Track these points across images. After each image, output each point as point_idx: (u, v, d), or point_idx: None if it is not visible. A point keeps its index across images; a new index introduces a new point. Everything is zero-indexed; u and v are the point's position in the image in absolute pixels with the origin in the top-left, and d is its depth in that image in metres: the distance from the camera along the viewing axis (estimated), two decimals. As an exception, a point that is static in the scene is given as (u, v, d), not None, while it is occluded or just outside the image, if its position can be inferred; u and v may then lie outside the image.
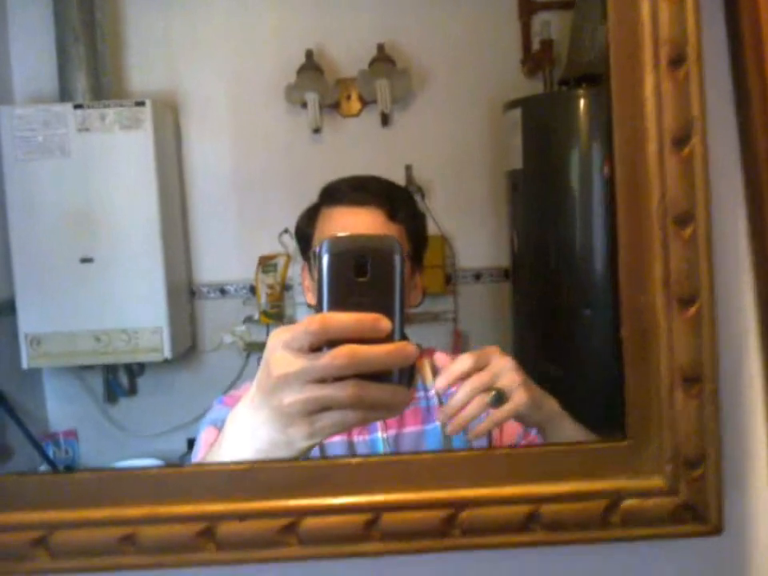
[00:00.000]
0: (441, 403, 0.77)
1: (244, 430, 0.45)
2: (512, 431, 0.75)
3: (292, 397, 0.42)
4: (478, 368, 0.59)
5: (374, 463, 0.47)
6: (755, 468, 0.52)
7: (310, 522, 0.46)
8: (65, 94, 1.68)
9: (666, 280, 0.47)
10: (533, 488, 0.48)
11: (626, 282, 0.48)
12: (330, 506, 0.47)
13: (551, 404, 0.63)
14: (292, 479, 0.47)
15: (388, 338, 0.40)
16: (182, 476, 0.47)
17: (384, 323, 0.40)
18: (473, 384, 0.59)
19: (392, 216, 0.77)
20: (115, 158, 1.65)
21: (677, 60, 0.46)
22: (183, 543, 0.46)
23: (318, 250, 0.41)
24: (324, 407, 0.42)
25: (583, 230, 1.44)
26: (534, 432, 0.74)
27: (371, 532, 0.47)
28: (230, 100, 1.74)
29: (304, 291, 0.87)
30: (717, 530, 0.49)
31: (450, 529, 0.47)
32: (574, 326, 1.36)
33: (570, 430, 0.63)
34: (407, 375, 0.43)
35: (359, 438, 0.72)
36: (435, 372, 0.80)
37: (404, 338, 0.42)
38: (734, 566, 0.53)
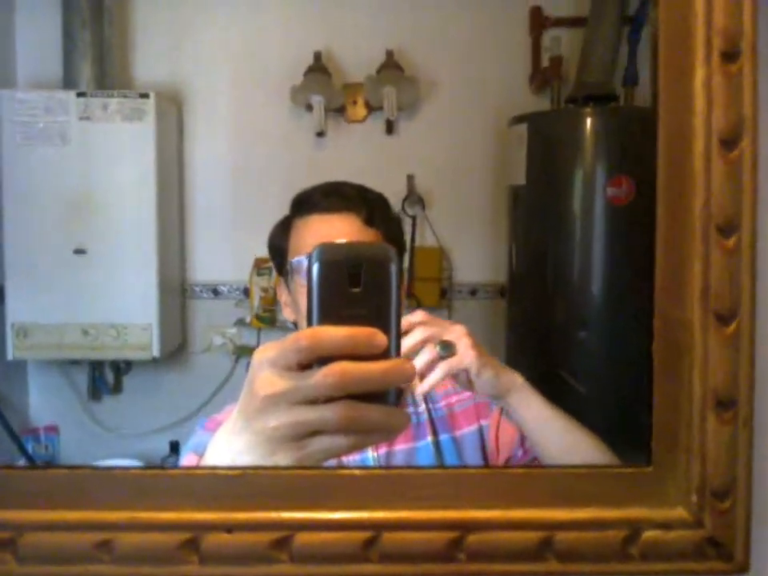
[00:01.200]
0: (431, 418, 0.74)
1: (225, 457, 0.41)
2: (509, 439, 0.72)
3: (278, 420, 0.38)
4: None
5: (377, 477, 0.43)
6: (786, 503, 0.49)
7: (305, 538, 0.42)
8: (68, 80, 1.65)
9: (705, 293, 0.44)
10: (547, 513, 0.44)
11: (660, 292, 0.44)
12: (328, 521, 0.43)
13: (511, 376, 0.65)
14: (287, 489, 0.43)
15: (384, 354, 0.37)
16: (166, 479, 0.43)
17: (380, 338, 0.37)
18: (422, 333, 0.62)
19: (368, 221, 0.75)
20: (115, 149, 1.62)
21: (730, 54, 0.43)
22: (164, 554, 0.42)
23: (306, 258, 0.38)
24: (314, 431, 0.38)
25: (582, 250, 1.42)
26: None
27: (370, 552, 0.43)
28: (235, 98, 1.72)
29: (282, 307, 0.84)
30: (743, 568, 0.45)
31: (455, 553, 0.43)
32: (569, 348, 1.33)
33: (536, 405, 0.65)
34: (400, 393, 0.39)
35: (348, 458, 0.68)
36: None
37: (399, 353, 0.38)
38: (759, 607, 0.49)
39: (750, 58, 0.44)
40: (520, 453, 0.71)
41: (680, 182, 0.44)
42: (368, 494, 0.43)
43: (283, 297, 0.82)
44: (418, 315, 0.64)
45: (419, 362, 0.62)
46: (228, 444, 0.41)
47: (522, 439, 0.71)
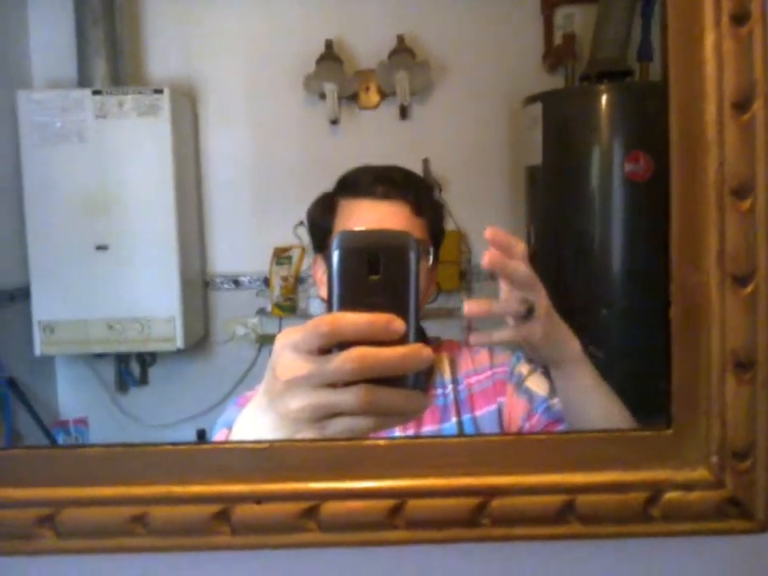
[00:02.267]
0: (456, 400, 0.75)
1: (250, 435, 0.43)
2: (518, 413, 0.72)
3: (300, 402, 0.39)
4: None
5: (401, 446, 0.44)
6: (808, 463, 0.49)
7: (332, 507, 0.44)
8: (83, 79, 1.67)
9: (721, 256, 0.44)
10: (568, 477, 0.45)
11: (677, 257, 0.45)
12: (353, 491, 0.44)
13: (573, 344, 0.62)
14: (314, 461, 0.44)
15: (402, 340, 0.38)
16: (197, 454, 0.44)
17: (398, 324, 0.38)
18: (515, 295, 0.58)
19: (416, 209, 0.74)
20: (132, 145, 1.65)
21: (740, 16, 0.43)
22: (197, 526, 0.43)
23: (329, 246, 0.39)
24: (334, 413, 0.39)
25: (602, 227, 1.41)
26: (539, 410, 0.71)
27: (396, 519, 0.44)
28: (248, 89, 1.73)
29: (317, 284, 0.84)
30: (764, 527, 0.46)
31: (479, 518, 0.44)
32: (591, 326, 1.33)
33: (586, 375, 0.62)
34: (423, 377, 0.40)
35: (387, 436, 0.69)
36: (454, 366, 0.77)
37: (421, 336, 0.39)
38: (781, 565, 0.49)
39: (759, 20, 0.44)
40: (527, 426, 0.72)
41: (693, 147, 0.44)
42: (392, 463, 0.44)
43: (319, 274, 0.81)
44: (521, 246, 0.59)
45: (500, 307, 0.59)
46: (254, 422, 0.42)
47: (530, 413, 0.71)
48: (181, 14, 1.71)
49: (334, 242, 0.39)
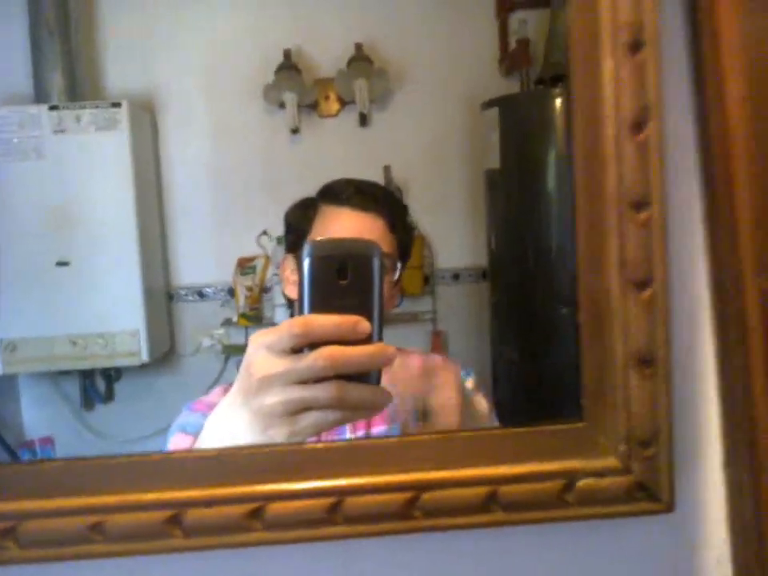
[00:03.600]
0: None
1: (224, 433, 0.47)
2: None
3: (274, 398, 0.43)
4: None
5: (338, 448, 0.48)
6: (707, 449, 0.54)
7: (276, 507, 0.47)
8: (40, 94, 1.67)
9: (622, 263, 0.49)
10: (492, 470, 0.49)
11: (583, 266, 0.49)
12: (295, 491, 0.47)
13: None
14: (258, 465, 0.47)
15: (368, 339, 0.42)
16: (149, 464, 0.48)
17: (364, 325, 0.42)
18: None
19: (391, 227, 0.79)
20: (92, 160, 1.65)
21: (634, 45, 0.47)
22: (151, 530, 0.47)
23: (301, 253, 0.43)
24: (305, 408, 0.43)
25: (560, 229, 1.45)
26: None
27: (335, 516, 0.48)
28: (208, 100, 1.74)
29: (283, 284, 0.88)
30: (669, 507, 0.50)
31: (412, 511, 0.48)
32: (551, 325, 1.37)
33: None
34: (380, 375, 0.44)
35: (328, 438, 0.72)
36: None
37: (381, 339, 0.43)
38: (686, 543, 0.54)
39: (652, 48, 0.48)
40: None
41: (594, 164, 0.49)
42: (330, 464, 0.48)
43: (287, 272, 0.85)
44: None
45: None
46: (227, 419, 0.46)
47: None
48: (138, 27, 1.71)
49: (306, 249, 0.43)
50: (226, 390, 0.78)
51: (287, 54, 1.71)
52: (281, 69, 1.70)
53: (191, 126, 1.74)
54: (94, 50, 1.71)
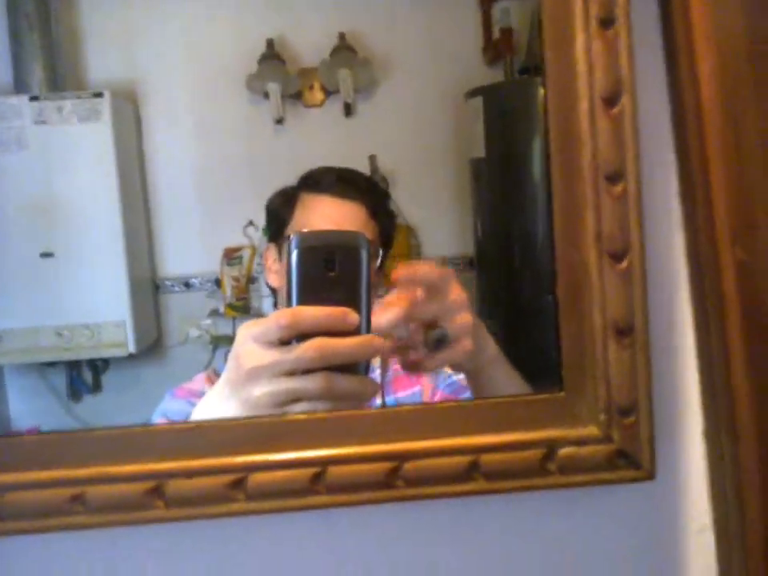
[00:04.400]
0: (382, 384, 0.78)
1: None
2: (427, 391, 0.76)
3: (262, 389, 0.43)
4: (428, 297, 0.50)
5: (320, 419, 0.48)
6: (687, 416, 0.55)
7: (257, 478, 0.47)
8: (20, 85, 1.66)
9: (598, 236, 0.49)
10: (473, 439, 0.49)
11: (560, 239, 0.50)
12: (277, 462, 0.48)
13: (491, 348, 0.57)
14: (239, 436, 0.48)
15: (356, 331, 0.42)
16: (130, 436, 0.48)
17: (352, 317, 0.42)
18: (416, 313, 0.49)
19: (372, 214, 0.79)
20: (74, 151, 1.63)
21: (606, 20, 0.48)
22: (133, 502, 0.47)
23: (287, 245, 0.43)
24: (294, 399, 0.43)
25: (545, 217, 1.45)
26: (441, 386, 0.72)
27: (317, 486, 0.48)
28: (191, 90, 1.73)
29: (266, 273, 0.88)
30: (650, 475, 0.51)
31: (394, 480, 0.49)
32: (537, 312, 1.38)
33: (503, 379, 0.57)
34: (368, 366, 0.45)
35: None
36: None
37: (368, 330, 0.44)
38: (666, 510, 0.55)
39: (624, 23, 0.49)
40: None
41: (569, 138, 0.49)
42: (312, 434, 0.48)
43: (270, 261, 0.85)
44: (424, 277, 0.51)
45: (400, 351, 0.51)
46: (215, 411, 0.47)
47: (434, 391, 0.72)
48: (119, 16, 1.70)
49: (293, 241, 0.42)
50: (209, 377, 0.78)
51: (270, 44, 1.70)
52: (264, 58, 1.69)
53: (174, 117, 1.73)
54: (75, 42, 1.69)
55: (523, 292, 1.41)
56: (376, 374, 0.78)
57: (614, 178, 0.49)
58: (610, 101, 0.49)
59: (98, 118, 1.64)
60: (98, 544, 0.50)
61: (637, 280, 0.50)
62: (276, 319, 0.42)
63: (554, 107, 0.49)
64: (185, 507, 0.47)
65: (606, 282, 0.49)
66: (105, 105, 1.63)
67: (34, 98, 1.63)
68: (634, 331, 0.50)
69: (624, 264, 0.49)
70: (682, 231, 0.54)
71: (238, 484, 0.47)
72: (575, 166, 0.49)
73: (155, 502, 0.47)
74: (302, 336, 0.42)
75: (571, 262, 0.49)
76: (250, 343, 0.43)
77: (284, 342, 0.43)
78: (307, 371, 0.43)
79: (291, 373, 0.43)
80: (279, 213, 0.82)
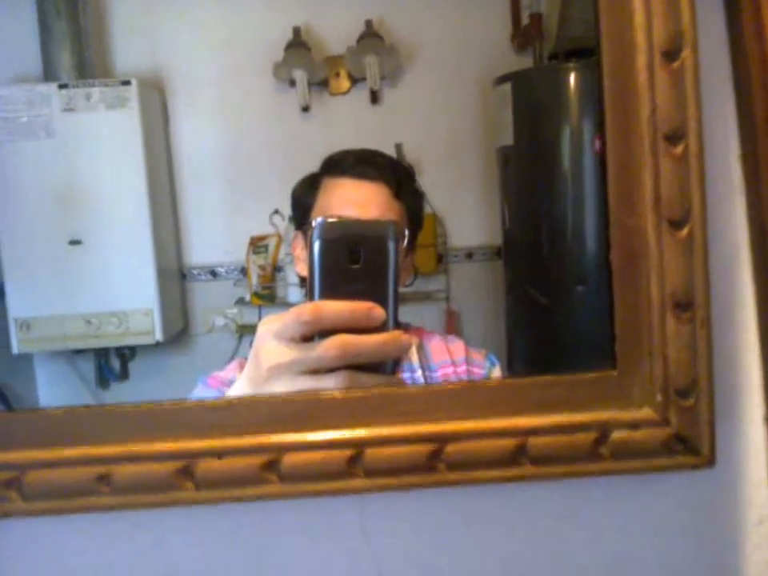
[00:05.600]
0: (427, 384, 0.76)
1: None
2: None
3: (283, 388, 0.41)
4: None
5: (358, 398, 0.45)
6: (748, 399, 0.51)
7: (292, 459, 0.45)
8: (48, 73, 1.66)
9: (657, 201, 0.46)
10: (519, 420, 0.46)
11: (615, 204, 0.46)
12: (312, 442, 0.45)
13: None
14: (273, 415, 0.45)
15: (382, 327, 0.40)
16: (158, 413, 0.45)
17: (378, 312, 0.39)
18: None
19: (396, 193, 0.76)
20: (101, 138, 1.63)
21: (666, -30, 0.44)
22: (160, 482, 0.44)
23: (310, 234, 0.40)
24: None
25: (575, 205, 1.42)
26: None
27: (354, 468, 0.45)
28: (218, 78, 1.72)
29: (294, 261, 0.86)
30: (709, 462, 0.48)
31: (435, 463, 0.46)
32: (567, 303, 1.35)
33: None
34: (397, 363, 0.42)
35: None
36: (422, 351, 0.78)
37: (398, 325, 0.41)
38: (726, 499, 0.51)
39: (685, -28, 0.45)
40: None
41: (626, 95, 0.45)
42: (349, 414, 0.45)
43: (298, 250, 0.83)
44: None
45: None
46: None
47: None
48: (147, 5, 1.70)
49: (315, 231, 0.40)
50: (242, 365, 0.77)
51: (297, 32, 1.68)
52: (290, 46, 1.68)
53: (201, 105, 1.72)
54: (102, 30, 1.69)
55: (551, 282, 1.38)
56: (417, 374, 0.76)
57: (674, 138, 0.45)
58: (670, 55, 0.45)
59: (126, 106, 1.64)
60: (122, 526, 0.47)
61: (698, 250, 0.46)
62: (297, 315, 0.40)
63: (608, 61, 0.45)
64: (215, 489, 0.45)
65: (665, 252, 0.46)
66: (132, 92, 1.63)
67: (62, 86, 1.63)
68: (694, 305, 0.46)
69: (684, 232, 0.46)
70: (744, 198, 0.50)
71: (272, 465, 0.45)
72: (632, 125, 0.45)
73: (184, 483, 0.44)
74: (325, 332, 0.40)
75: (627, 229, 0.46)
76: (271, 340, 0.41)
77: (306, 339, 0.40)
78: (330, 370, 0.40)
79: (313, 371, 0.40)
80: (303, 199, 0.81)
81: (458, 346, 0.79)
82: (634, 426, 0.47)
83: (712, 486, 0.51)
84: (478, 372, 0.77)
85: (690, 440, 0.47)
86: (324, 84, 1.72)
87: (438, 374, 0.77)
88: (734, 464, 0.51)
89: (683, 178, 0.46)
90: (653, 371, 0.47)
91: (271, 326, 0.41)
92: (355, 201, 0.75)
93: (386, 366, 0.41)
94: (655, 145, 0.45)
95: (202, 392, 0.73)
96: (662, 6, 0.45)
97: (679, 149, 0.45)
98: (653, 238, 0.46)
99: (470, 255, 1.65)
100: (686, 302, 0.46)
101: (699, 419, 0.47)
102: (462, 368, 0.78)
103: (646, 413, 0.47)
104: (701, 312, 0.46)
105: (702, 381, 0.47)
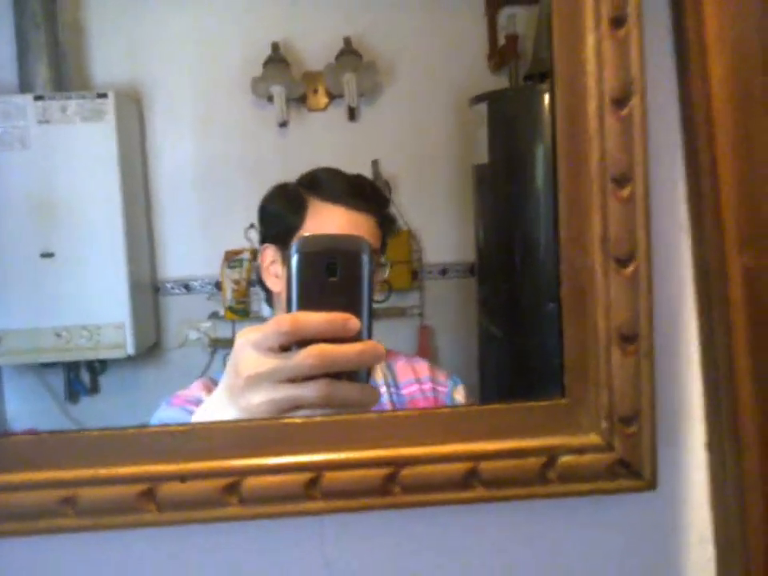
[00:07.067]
0: (392, 402, 0.78)
1: None
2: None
3: (262, 397, 0.42)
4: None
5: (317, 423, 0.47)
6: (690, 426, 0.53)
7: (252, 482, 0.46)
8: (24, 84, 1.66)
9: (604, 239, 0.48)
10: (472, 446, 0.48)
11: (565, 242, 0.49)
12: (272, 466, 0.47)
13: None
14: (234, 439, 0.46)
15: (357, 337, 0.41)
16: (123, 438, 0.47)
17: (353, 323, 0.41)
18: None
19: (380, 223, 0.80)
20: (77, 151, 1.63)
21: (617, 20, 0.47)
22: (124, 504, 0.46)
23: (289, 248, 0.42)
24: (294, 406, 0.42)
25: (548, 224, 1.45)
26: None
27: (313, 491, 0.47)
28: (195, 92, 1.73)
29: (263, 273, 0.87)
30: (651, 485, 0.50)
31: (391, 487, 0.48)
32: (539, 320, 1.37)
33: None
34: (370, 371, 0.44)
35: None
36: (387, 370, 0.80)
37: (371, 337, 0.43)
38: (668, 521, 0.54)
39: (635, 23, 0.48)
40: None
41: (577, 139, 0.48)
42: (308, 439, 0.47)
43: (269, 263, 0.84)
44: None
45: None
46: (213, 418, 0.46)
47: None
48: (124, 18, 1.70)
49: (294, 246, 0.42)
50: (206, 384, 0.78)
51: (275, 47, 1.70)
52: (269, 62, 1.69)
53: (178, 118, 1.73)
54: (80, 42, 1.69)
55: (524, 299, 1.41)
56: (382, 391, 0.78)
57: (622, 180, 0.48)
58: (620, 102, 0.48)
59: (102, 119, 1.64)
60: (87, 548, 0.48)
61: (643, 285, 0.49)
62: (276, 325, 0.41)
63: (561, 106, 0.48)
64: (177, 511, 0.46)
65: (612, 287, 0.48)
66: (109, 105, 1.63)
67: (38, 98, 1.63)
68: (638, 338, 0.49)
69: (630, 269, 0.48)
70: (689, 236, 0.53)
71: (233, 488, 0.46)
72: (582, 167, 0.48)
73: (147, 505, 0.46)
74: (303, 342, 0.41)
75: (576, 266, 0.48)
76: (249, 350, 0.42)
77: (284, 349, 0.42)
78: (308, 378, 0.42)
79: (291, 380, 0.42)
80: (286, 218, 0.82)
81: (422, 365, 0.82)
82: (580, 451, 0.49)
83: (654, 508, 0.53)
84: (442, 390, 0.79)
85: (633, 464, 0.50)
86: (302, 100, 1.74)
87: (404, 392, 0.79)
88: (676, 487, 0.53)
89: (630, 219, 0.48)
90: (599, 400, 0.49)
91: (250, 336, 0.42)
92: (347, 230, 0.77)
93: (361, 374, 0.43)
94: (604, 187, 0.48)
95: (164, 411, 0.73)
96: (612, 55, 0.48)
97: (626, 191, 0.48)
98: (600, 275, 0.48)
99: (444, 271, 1.67)
100: (631, 334, 0.49)
101: (642, 445, 0.50)
102: (428, 385, 0.80)
103: (592, 439, 0.49)
104: (645, 344, 0.49)
105: (645, 409, 0.49)
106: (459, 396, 0.79)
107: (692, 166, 0.52)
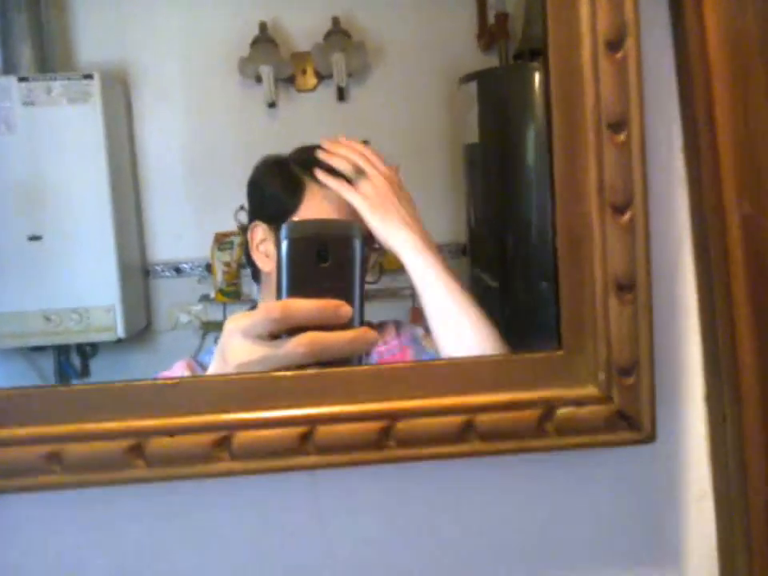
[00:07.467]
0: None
1: None
2: None
3: None
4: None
5: (309, 376, 0.46)
6: (689, 377, 0.53)
7: (243, 436, 0.45)
8: (8, 66, 1.63)
9: (600, 187, 0.47)
10: (468, 398, 0.47)
11: (560, 191, 0.48)
12: (264, 420, 0.46)
13: (404, 234, 0.68)
14: (225, 394, 0.45)
15: (348, 324, 0.40)
16: (109, 392, 0.45)
17: (345, 309, 0.40)
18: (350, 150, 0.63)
19: None
20: (63, 133, 1.61)
21: (611, -40, 0.46)
22: (111, 460, 0.45)
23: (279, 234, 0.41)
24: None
25: (540, 203, 1.44)
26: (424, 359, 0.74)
27: (306, 446, 0.46)
28: (183, 73, 1.70)
29: (252, 251, 0.85)
30: (650, 438, 0.49)
31: (385, 440, 0.47)
32: (531, 300, 1.37)
33: (431, 276, 0.67)
34: (362, 358, 0.43)
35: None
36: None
37: (362, 323, 0.42)
38: (666, 474, 0.53)
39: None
40: None
41: (570, 84, 0.47)
42: (301, 392, 0.46)
43: (260, 241, 0.83)
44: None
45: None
46: None
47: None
48: (110, -1, 1.68)
49: (283, 231, 0.40)
50: (189, 365, 0.77)
51: (263, 27, 1.68)
52: (256, 42, 1.67)
53: (166, 99, 1.70)
54: (65, 23, 1.66)
55: (516, 279, 1.40)
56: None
57: (617, 126, 0.47)
58: (614, 45, 0.47)
59: (88, 100, 1.61)
60: (74, 505, 0.47)
61: (639, 233, 0.48)
62: (266, 312, 0.40)
63: (555, 51, 0.47)
64: (166, 467, 0.45)
65: (608, 236, 0.47)
66: (95, 87, 1.60)
67: (22, 79, 1.60)
68: (635, 287, 0.48)
69: (626, 216, 0.47)
70: (686, 184, 0.52)
71: (223, 443, 0.45)
72: (577, 113, 0.47)
73: (135, 461, 0.45)
74: (293, 330, 0.40)
75: (572, 214, 0.47)
76: (238, 337, 0.41)
77: (274, 336, 0.41)
78: (299, 366, 0.41)
79: (282, 369, 0.41)
80: (282, 200, 0.81)
81: (389, 327, 0.84)
82: (578, 403, 0.48)
83: (653, 461, 0.53)
84: (406, 338, 0.81)
85: (632, 416, 0.49)
86: (290, 80, 1.72)
87: (374, 356, 0.78)
88: (675, 440, 0.53)
89: (626, 165, 0.47)
90: (596, 351, 0.48)
91: (239, 323, 0.41)
92: (347, 216, 0.76)
93: (352, 361, 0.42)
94: (599, 133, 0.47)
95: None
96: (606, -3, 0.46)
97: (622, 137, 0.47)
98: (596, 223, 0.47)
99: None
100: (628, 284, 0.48)
101: (640, 396, 0.49)
102: (393, 343, 0.81)
103: (589, 390, 0.49)
104: (642, 294, 0.48)
105: (643, 360, 0.49)
106: (420, 333, 0.79)
107: (688, 113, 0.51)
